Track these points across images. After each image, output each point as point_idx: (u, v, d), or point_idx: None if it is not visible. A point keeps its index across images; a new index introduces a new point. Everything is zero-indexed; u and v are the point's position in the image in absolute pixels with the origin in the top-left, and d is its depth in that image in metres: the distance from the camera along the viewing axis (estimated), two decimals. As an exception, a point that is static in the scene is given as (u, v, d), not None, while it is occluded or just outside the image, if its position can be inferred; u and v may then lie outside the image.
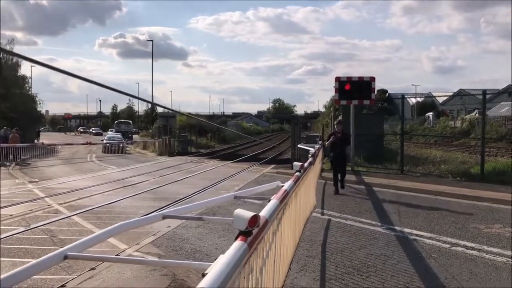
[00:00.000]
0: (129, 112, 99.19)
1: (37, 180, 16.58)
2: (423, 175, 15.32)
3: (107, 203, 11.01)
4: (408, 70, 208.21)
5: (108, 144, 35.35)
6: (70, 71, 2.52)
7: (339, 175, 12.16)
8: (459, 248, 6.82)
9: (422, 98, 67.49)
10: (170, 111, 38.52)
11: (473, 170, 14.70)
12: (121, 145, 35.97)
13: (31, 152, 28.68)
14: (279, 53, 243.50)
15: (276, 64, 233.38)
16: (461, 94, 55.03)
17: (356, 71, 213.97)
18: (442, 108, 60.57)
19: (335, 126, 12.74)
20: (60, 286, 5.22)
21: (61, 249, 2.12)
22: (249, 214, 2.26)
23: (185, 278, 5.37)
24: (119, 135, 41.32)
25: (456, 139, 28.36)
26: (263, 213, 2.82)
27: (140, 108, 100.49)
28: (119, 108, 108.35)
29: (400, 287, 5.17)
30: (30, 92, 46.43)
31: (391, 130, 25.18)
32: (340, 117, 14.78)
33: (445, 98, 63.03)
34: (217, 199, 4.51)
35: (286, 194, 3.90)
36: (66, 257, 2.06)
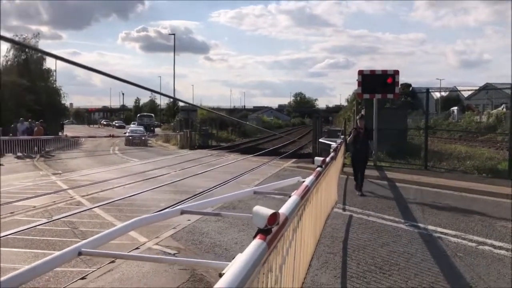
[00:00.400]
0: (152, 105, 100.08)
1: (60, 172, 16.82)
2: (448, 171, 14.98)
3: (128, 195, 11.07)
4: (433, 64, 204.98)
5: (130, 137, 35.67)
6: (94, 65, 2.47)
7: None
8: (486, 247, 6.61)
9: (447, 93, 66.17)
10: (191, 105, 38.65)
11: (500, 166, 14.31)
12: (143, 138, 36.25)
13: (55, 144, 29.15)
14: (301, 47, 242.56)
15: (298, 58, 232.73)
16: (487, 88, 53.75)
17: (379, 65, 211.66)
18: (467, 103, 59.27)
19: (357, 121, 12.06)
20: (80, 279, 5.23)
21: (76, 245, 2.07)
22: (268, 211, 2.17)
23: (204, 273, 5.33)
24: (142, 128, 41.69)
25: (482, 134, 27.69)
26: (283, 210, 2.73)
27: (162, 101, 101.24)
28: (141, 102, 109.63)
29: (424, 287, 5.03)
30: (54, 85, 47.18)
31: (415, 124, 24.71)
32: (362, 112, 14.14)
33: (470, 92, 61.66)
34: (236, 194, 4.44)
35: (307, 190, 3.79)
36: (80, 253, 2.01)
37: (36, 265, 1.82)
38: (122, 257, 3.46)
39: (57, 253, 2.00)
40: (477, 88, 57.77)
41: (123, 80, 2.99)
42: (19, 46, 40.05)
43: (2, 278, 1.66)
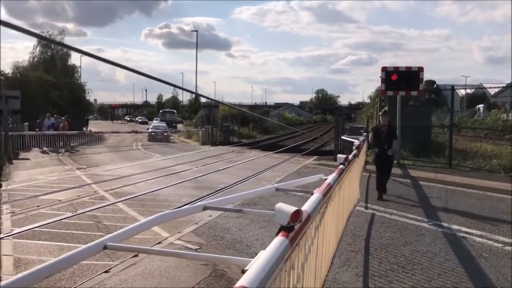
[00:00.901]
0: (174, 101, 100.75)
1: (84, 167, 17.11)
2: (473, 170, 14.70)
3: (150, 191, 11.20)
4: (458, 60, 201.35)
5: (153, 133, 36.04)
6: (118, 61, 2.50)
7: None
8: (510, 248, 6.47)
9: (473, 90, 64.82)
10: (213, 102, 38.82)
11: (528, 166, 13.97)
12: (165, 134, 36.59)
13: (80, 139, 29.67)
14: (323, 43, 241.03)
15: (320, 54, 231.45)
16: (515, 85, 52.44)
17: (403, 61, 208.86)
18: (494, 100, 57.99)
19: (380, 118, 11.14)
20: (104, 272, 5.32)
21: (101, 239, 2.10)
22: (291, 208, 2.16)
23: (225, 269, 5.36)
24: (164, 124, 42.06)
25: (509, 133, 27.07)
26: (306, 207, 2.72)
27: (184, 98, 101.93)
28: (164, 98, 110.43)
29: (447, 287, 4.95)
30: (79, 81, 48.01)
31: (439, 122, 24.32)
32: (386, 108, 13.22)
33: (497, 89, 60.25)
34: (258, 191, 4.44)
35: (330, 188, 3.77)
36: (105, 247, 2.04)
37: (63, 258, 1.86)
38: (146, 252, 3.51)
39: (83, 246, 2.04)
40: (504, 85, 56.40)
41: (148, 75, 3.03)
42: (46, 42, 40.88)
43: (33, 269, 1.70)
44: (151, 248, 5.09)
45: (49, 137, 25.20)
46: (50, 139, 25.15)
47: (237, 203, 7.77)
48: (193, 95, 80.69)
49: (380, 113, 11.29)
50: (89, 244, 2.06)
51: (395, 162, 13.94)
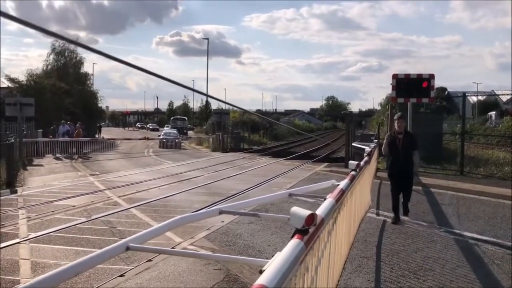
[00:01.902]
0: (185, 108, 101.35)
1: (97, 173, 17.31)
2: (485, 177, 14.62)
3: (163, 196, 11.31)
4: (469, 67, 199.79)
5: (164, 140, 36.29)
6: (129, 68, 2.61)
7: (401, 195, 8.64)
8: (525, 255, 6.45)
9: (484, 97, 64.34)
10: (223, 109, 39.06)
11: (540, 173, 13.86)
12: (176, 140, 36.83)
13: (92, 146, 29.99)
14: (333, 50, 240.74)
15: (330, 61, 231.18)
16: (527, 92, 51.96)
17: (413, 68, 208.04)
18: (506, 107, 57.50)
19: (395, 123, 8.76)
20: (119, 275, 5.42)
21: (123, 240, 2.19)
22: (306, 212, 2.24)
23: (238, 274, 5.42)
24: (175, 131, 42.32)
25: (522, 140, 26.83)
26: (320, 212, 2.80)
27: (195, 105, 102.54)
28: (175, 105, 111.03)
29: (459, 293, 4.97)
30: (92, 89, 48.54)
31: (450, 129, 24.23)
32: (400, 113, 9.78)
33: (509, 96, 59.74)
34: (271, 196, 4.52)
35: (342, 193, 3.84)
36: (128, 248, 2.14)
37: (88, 258, 1.95)
38: (167, 253, 3.60)
39: (106, 248, 2.13)
40: (516, 92, 55.82)
41: (161, 76, 3.14)
42: (69, 42, 41.54)
43: (61, 268, 1.79)
44: (172, 249, 5.18)
45: (63, 143, 25.53)
46: (64, 146, 25.47)
47: (249, 208, 7.85)
48: (204, 102, 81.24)
49: (396, 117, 8.92)
50: (112, 246, 2.16)
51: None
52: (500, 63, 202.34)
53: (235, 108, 40.21)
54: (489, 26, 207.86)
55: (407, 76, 16.52)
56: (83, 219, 8.61)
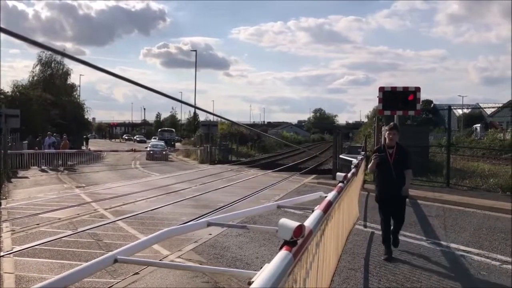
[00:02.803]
0: (172, 120, 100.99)
1: (84, 185, 17.14)
2: (471, 189, 14.78)
3: (150, 209, 11.22)
4: (454, 80, 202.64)
5: (151, 152, 36.11)
6: (116, 80, 2.62)
7: (392, 223, 7.21)
8: (510, 266, 6.52)
9: (469, 110, 65.30)
10: (211, 121, 39.04)
11: (525, 185, 14.04)
12: (164, 152, 36.66)
13: (78, 158, 29.71)
14: (320, 63, 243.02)
15: (317, 74, 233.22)
16: (511, 105, 52.88)
17: (400, 81, 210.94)
18: (491, 120, 58.42)
19: (386, 134, 7.40)
20: (105, 289, 5.35)
21: (111, 253, 2.18)
22: (294, 224, 2.25)
23: (226, 286, 5.39)
24: (162, 143, 42.14)
25: (506, 152, 27.21)
26: (308, 223, 2.80)
27: (183, 116, 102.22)
28: (162, 117, 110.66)
29: (446, 305, 4.99)
30: (78, 100, 48.21)
31: (436, 142, 24.52)
32: (393, 123, 8.23)
33: (493, 109, 60.73)
34: (259, 208, 4.52)
35: (330, 205, 3.86)
36: (116, 261, 2.12)
37: (76, 271, 1.94)
38: (155, 265, 3.57)
39: (94, 260, 2.12)
40: (500, 105, 56.80)
41: (150, 88, 3.14)
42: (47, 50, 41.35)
43: (46, 282, 1.77)
44: (160, 261, 5.13)
45: (48, 155, 25.26)
46: (49, 158, 25.20)
47: (238, 220, 7.83)
48: (192, 114, 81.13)
49: (387, 127, 7.42)
50: (100, 258, 2.14)
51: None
52: (484, 76, 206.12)
53: (223, 120, 40.27)
54: (473, 40, 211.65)
55: (394, 89, 16.72)
56: (69, 232, 8.50)
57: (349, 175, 6.62)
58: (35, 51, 48.43)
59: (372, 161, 7.24)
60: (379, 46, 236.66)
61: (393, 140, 7.07)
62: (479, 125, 49.91)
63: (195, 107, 27.95)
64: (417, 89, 16.51)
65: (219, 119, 40.48)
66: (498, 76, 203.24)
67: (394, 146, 7.06)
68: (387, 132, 7.20)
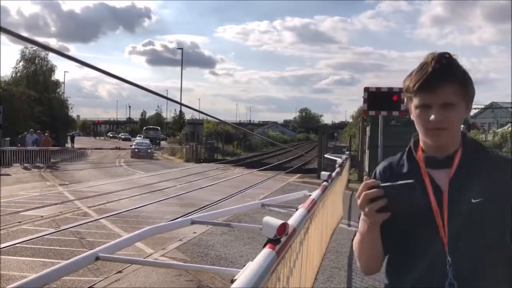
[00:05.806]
0: (158, 118, 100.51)
1: (67, 183, 16.94)
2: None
3: (134, 207, 11.15)
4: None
5: (136, 150, 35.87)
6: (101, 77, 2.58)
7: None
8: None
9: (453, 110, 65.87)
10: (197, 119, 38.94)
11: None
12: (149, 150, 36.44)
13: (62, 155, 29.35)
14: (306, 63, 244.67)
15: (303, 74, 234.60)
16: (493, 107, 53.72)
17: (384, 82, 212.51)
18: (473, 121, 59.16)
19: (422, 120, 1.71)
20: (88, 287, 5.30)
21: (93, 251, 2.15)
22: (278, 222, 2.25)
23: (210, 284, 5.39)
24: (148, 141, 41.92)
25: (488, 153, 27.66)
26: (291, 221, 2.81)
27: (168, 115, 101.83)
28: (148, 115, 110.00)
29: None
30: (62, 97, 47.61)
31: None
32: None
33: (476, 110, 61.56)
34: (244, 206, 4.52)
35: (314, 204, 3.87)
36: (97, 258, 2.10)
37: (56, 268, 1.91)
38: (138, 263, 3.55)
39: (75, 258, 2.09)
40: (482, 106, 57.64)
41: (136, 84, 3.12)
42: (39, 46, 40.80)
43: (27, 279, 1.75)
44: (143, 259, 5.10)
45: (31, 152, 24.90)
46: (32, 155, 24.84)
47: (223, 219, 7.82)
48: (177, 112, 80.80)
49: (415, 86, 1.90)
50: (81, 255, 2.11)
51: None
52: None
53: (209, 118, 40.17)
54: (456, 42, 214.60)
55: (378, 89, 16.86)
56: (52, 230, 8.40)
57: (333, 174, 6.66)
58: (19, 47, 47.74)
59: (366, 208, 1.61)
60: (364, 46, 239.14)
61: (447, 136, 1.74)
62: (462, 126, 50.49)
63: (182, 104, 27.86)
64: (401, 90, 16.61)
65: (205, 117, 40.34)
66: (480, 78, 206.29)
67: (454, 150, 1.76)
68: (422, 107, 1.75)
